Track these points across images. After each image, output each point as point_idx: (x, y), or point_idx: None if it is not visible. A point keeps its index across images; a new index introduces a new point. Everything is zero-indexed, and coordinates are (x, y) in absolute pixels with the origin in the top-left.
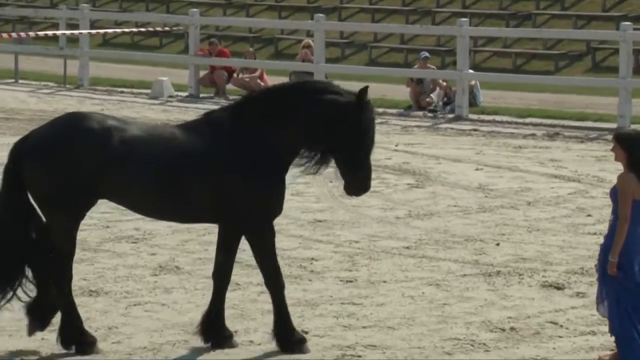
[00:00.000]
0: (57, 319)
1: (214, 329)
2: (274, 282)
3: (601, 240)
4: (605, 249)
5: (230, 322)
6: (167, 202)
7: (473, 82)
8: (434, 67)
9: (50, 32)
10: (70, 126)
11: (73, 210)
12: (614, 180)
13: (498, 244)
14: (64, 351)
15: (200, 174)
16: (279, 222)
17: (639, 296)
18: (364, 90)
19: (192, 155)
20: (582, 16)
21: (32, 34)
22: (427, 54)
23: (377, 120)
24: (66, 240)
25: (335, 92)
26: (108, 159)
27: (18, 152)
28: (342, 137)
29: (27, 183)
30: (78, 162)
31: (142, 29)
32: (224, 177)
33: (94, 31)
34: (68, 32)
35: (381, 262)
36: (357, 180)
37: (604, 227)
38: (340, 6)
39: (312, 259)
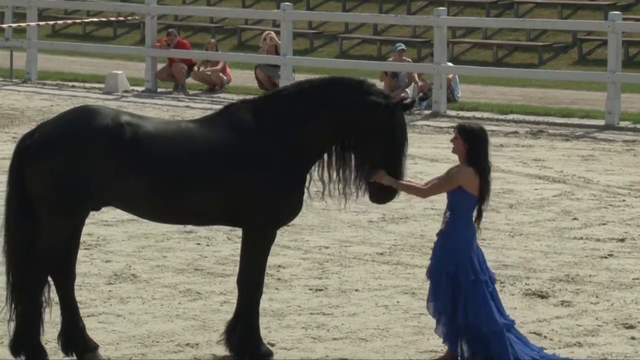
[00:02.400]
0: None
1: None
2: (254, 286)
3: (589, 244)
4: (440, 249)
5: (191, 334)
6: (185, 205)
7: (451, 76)
8: (410, 60)
9: None
10: (79, 122)
11: (73, 215)
12: (602, 182)
13: None
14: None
15: (219, 174)
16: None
17: (474, 291)
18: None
19: (210, 154)
20: (568, 5)
21: None
22: (403, 46)
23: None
24: (54, 250)
25: (372, 93)
26: (120, 160)
27: (23, 147)
28: (379, 142)
29: (27, 181)
30: (84, 163)
31: (95, 19)
32: (242, 176)
33: (42, 22)
34: (14, 25)
35: (353, 269)
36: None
37: (591, 232)
38: None
39: (279, 266)
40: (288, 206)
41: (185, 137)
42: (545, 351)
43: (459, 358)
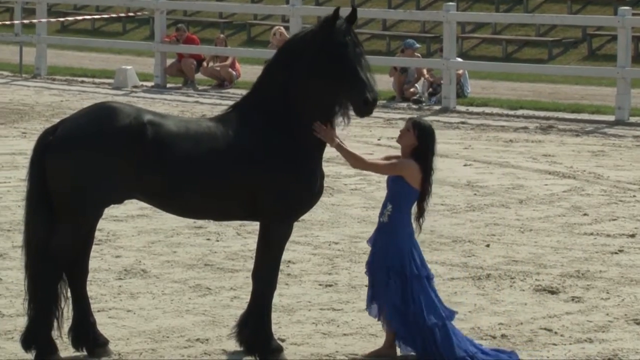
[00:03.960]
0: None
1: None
2: (268, 281)
3: (599, 240)
4: (383, 243)
5: (201, 330)
6: (209, 201)
7: (461, 72)
8: (419, 55)
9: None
10: (102, 120)
11: (92, 212)
12: (612, 177)
13: (488, 245)
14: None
15: (240, 169)
16: (254, 224)
17: (419, 285)
18: (335, 12)
19: (230, 150)
20: (577, 0)
21: None
22: (416, 44)
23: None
24: (69, 248)
25: (307, 31)
26: (142, 157)
27: (44, 144)
28: (321, 67)
29: (48, 177)
30: (106, 161)
31: (104, 14)
32: (261, 170)
33: (52, 19)
34: (24, 21)
35: (363, 264)
36: (353, 99)
37: (602, 227)
38: None
39: (289, 261)
40: (307, 195)
41: (206, 135)
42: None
43: (399, 348)
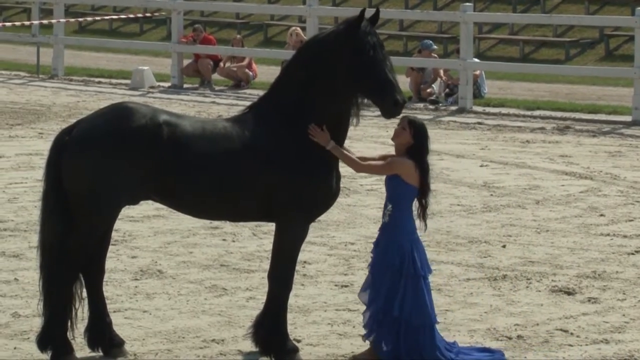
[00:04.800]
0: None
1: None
2: (284, 282)
3: (615, 241)
4: (385, 242)
5: (217, 330)
6: (225, 202)
7: (478, 72)
8: (436, 56)
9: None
10: (118, 120)
11: (108, 212)
12: (629, 178)
13: (504, 246)
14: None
15: (256, 170)
16: (269, 224)
17: (413, 285)
18: (361, 13)
19: (246, 151)
20: (594, 1)
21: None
22: (433, 44)
23: (375, 113)
24: (85, 248)
25: (330, 32)
26: (158, 157)
27: (61, 144)
28: (346, 69)
29: (64, 178)
30: (122, 161)
31: (122, 15)
32: (278, 170)
33: (71, 19)
34: (42, 21)
35: None
36: (382, 100)
37: (618, 228)
38: None
39: (305, 262)
40: (324, 195)
41: (222, 135)
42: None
43: (383, 349)
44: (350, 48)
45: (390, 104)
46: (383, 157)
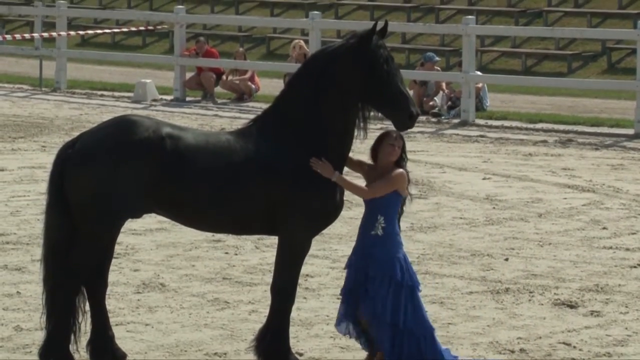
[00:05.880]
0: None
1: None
2: (286, 295)
3: (618, 254)
4: (380, 254)
5: (219, 343)
6: (228, 215)
7: (480, 85)
8: (439, 69)
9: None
10: (121, 133)
11: (112, 225)
12: (632, 191)
13: (507, 259)
14: None
15: (260, 183)
16: (272, 237)
17: (411, 294)
18: (373, 27)
19: (250, 164)
20: (597, 14)
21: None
22: (435, 57)
23: (378, 126)
24: (89, 261)
25: (339, 45)
26: (161, 170)
27: (64, 157)
28: (358, 82)
29: (67, 190)
30: (125, 174)
31: (124, 28)
32: (280, 184)
33: (72, 32)
34: (44, 34)
35: None
36: (397, 113)
37: (621, 241)
38: (337, 3)
39: (307, 275)
40: (328, 208)
41: (225, 148)
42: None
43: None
44: (363, 61)
45: (405, 117)
46: (360, 163)
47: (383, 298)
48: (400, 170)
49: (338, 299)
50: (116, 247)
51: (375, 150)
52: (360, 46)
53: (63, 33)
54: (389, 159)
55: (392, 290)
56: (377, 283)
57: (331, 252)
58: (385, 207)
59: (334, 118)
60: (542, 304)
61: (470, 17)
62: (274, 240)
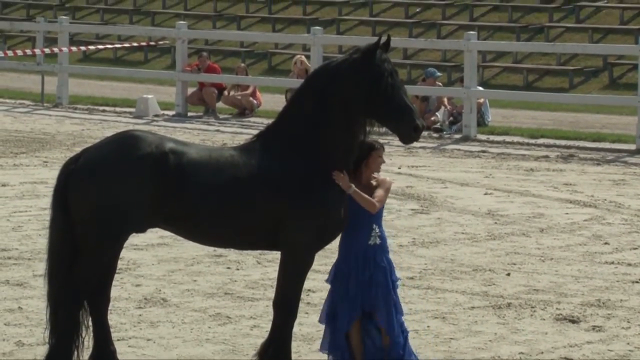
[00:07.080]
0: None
1: None
2: (289, 310)
3: (620, 269)
4: (387, 262)
5: (221, 358)
6: (231, 230)
7: (481, 100)
8: (440, 84)
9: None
10: (124, 148)
11: (115, 241)
12: (633, 206)
13: (509, 274)
14: None
15: (263, 199)
16: (274, 252)
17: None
18: (377, 41)
19: (253, 180)
20: (598, 29)
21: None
22: (437, 72)
23: (381, 140)
24: (92, 277)
25: (342, 60)
26: (164, 185)
27: (67, 172)
28: (362, 97)
29: (71, 206)
30: (128, 190)
31: (126, 44)
32: (283, 199)
33: (74, 48)
34: (46, 50)
35: None
36: (402, 126)
37: (622, 256)
38: (339, 18)
39: (309, 290)
40: (331, 225)
41: (228, 164)
42: None
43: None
44: (368, 76)
45: (410, 130)
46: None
47: (394, 305)
48: (387, 178)
49: None
50: (118, 261)
51: (360, 163)
52: (364, 60)
53: (65, 48)
54: (379, 170)
55: (394, 296)
56: (385, 291)
57: None
58: (378, 216)
59: (338, 134)
60: (544, 319)
61: (471, 32)
62: (275, 255)
